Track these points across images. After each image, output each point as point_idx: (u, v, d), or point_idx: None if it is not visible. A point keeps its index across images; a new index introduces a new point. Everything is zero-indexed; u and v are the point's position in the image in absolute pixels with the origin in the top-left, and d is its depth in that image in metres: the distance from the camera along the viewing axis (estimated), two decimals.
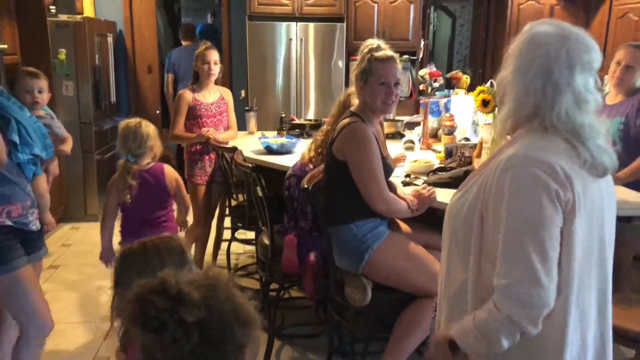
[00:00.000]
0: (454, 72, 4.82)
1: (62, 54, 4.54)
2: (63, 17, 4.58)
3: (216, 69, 3.37)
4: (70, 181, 4.69)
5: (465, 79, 4.69)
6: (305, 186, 2.22)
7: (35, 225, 2.08)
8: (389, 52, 2.18)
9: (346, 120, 2.15)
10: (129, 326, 0.89)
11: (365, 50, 2.18)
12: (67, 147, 2.59)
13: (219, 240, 3.83)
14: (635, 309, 1.90)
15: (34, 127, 2.06)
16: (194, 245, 3.63)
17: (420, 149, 3.43)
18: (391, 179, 2.32)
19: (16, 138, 1.95)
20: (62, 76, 4.59)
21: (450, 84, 5.06)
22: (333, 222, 2.20)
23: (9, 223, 1.95)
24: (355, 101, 2.33)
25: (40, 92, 2.37)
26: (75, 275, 3.67)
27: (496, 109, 2.50)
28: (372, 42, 2.19)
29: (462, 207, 1.28)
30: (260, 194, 2.55)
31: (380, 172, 2.10)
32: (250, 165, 2.58)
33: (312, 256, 2.39)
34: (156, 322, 0.85)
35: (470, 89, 4.84)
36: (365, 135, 2.09)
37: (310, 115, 5.49)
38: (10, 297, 1.97)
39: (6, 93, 2.07)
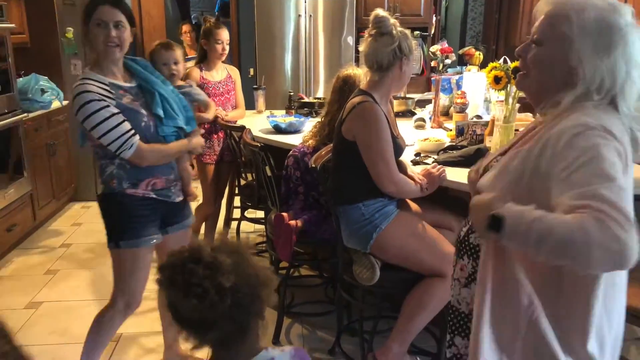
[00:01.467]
0: (467, 48, 4.72)
1: (70, 32, 4.51)
2: None
3: (227, 49, 3.33)
4: (80, 161, 4.71)
5: (478, 55, 4.60)
6: (313, 165, 2.20)
7: (179, 197, 2.14)
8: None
9: (356, 99, 2.11)
10: (168, 293, 0.97)
11: (398, 31, 2.07)
12: (210, 114, 2.69)
13: (229, 219, 3.84)
14: None
15: (177, 100, 2.10)
16: (204, 224, 3.65)
17: (431, 127, 3.38)
18: (401, 158, 2.29)
19: (161, 112, 2.00)
20: (70, 55, 4.57)
21: (462, 61, 4.98)
22: (341, 201, 2.18)
23: (153, 195, 2.02)
24: (362, 80, 2.29)
25: (175, 63, 2.41)
26: (87, 254, 3.71)
27: (508, 86, 2.44)
28: (378, 11, 2.10)
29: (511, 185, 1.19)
30: (269, 173, 2.54)
31: (391, 154, 2.07)
32: (258, 144, 2.56)
33: (298, 222, 2.40)
34: (199, 289, 0.93)
35: (483, 65, 4.76)
36: (375, 115, 2.05)
37: (320, 93, 5.43)
38: (118, 268, 2.06)
39: (150, 67, 2.12)
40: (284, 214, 2.43)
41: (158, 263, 2.19)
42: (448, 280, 2.02)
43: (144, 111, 1.97)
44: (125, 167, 1.96)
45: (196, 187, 2.33)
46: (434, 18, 5.65)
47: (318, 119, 2.74)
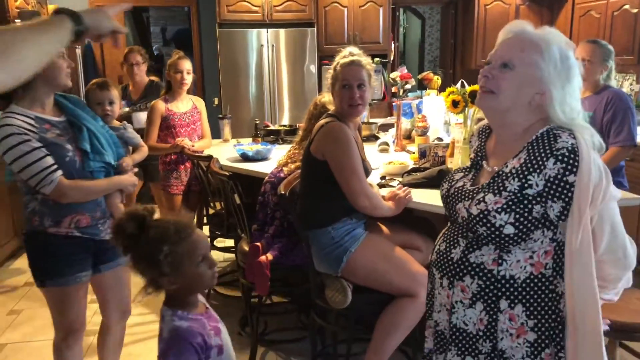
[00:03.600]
0: (425, 73, 4.90)
1: None
2: None
3: (189, 79, 3.37)
4: None
5: (437, 79, 4.78)
6: (282, 192, 2.24)
7: (108, 235, 2.06)
8: (353, 57, 2.21)
9: (324, 121, 2.18)
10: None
11: (336, 59, 2.23)
12: (133, 158, 2.32)
13: None
14: None
15: (106, 136, 2.07)
16: None
17: (395, 150, 3.48)
18: (368, 180, 2.35)
19: (87, 146, 1.96)
20: None
21: (422, 85, 5.15)
22: (310, 225, 2.22)
23: (77, 234, 1.97)
24: (331, 107, 2.37)
25: (111, 103, 2.32)
26: None
27: (466, 109, 2.55)
28: (345, 51, 2.23)
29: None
30: (238, 201, 2.56)
31: (361, 168, 2.13)
32: (227, 173, 2.58)
33: (268, 256, 2.42)
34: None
35: (442, 89, 4.94)
36: (344, 132, 2.12)
37: (285, 120, 5.51)
38: (49, 304, 2.05)
39: (81, 103, 2.10)
40: (258, 244, 2.44)
41: (98, 300, 2.19)
42: (419, 299, 2.08)
43: (69, 146, 1.93)
44: (48, 203, 1.92)
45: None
46: (393, 45, 5.83)
47: (287, 146, 2.80)
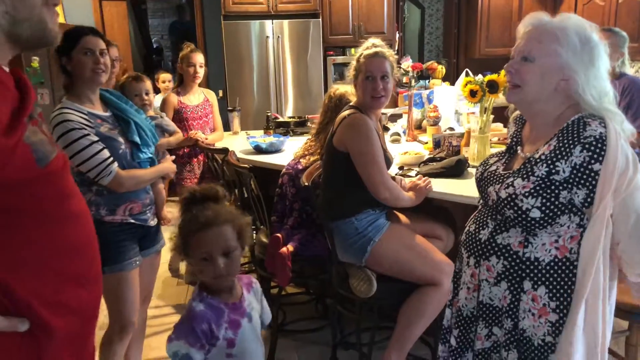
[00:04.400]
0: (429, 62, 4.90)
1: (35, 62, 4.44)
2: None
3: (201, 72, 3.37)
4: None
5: (441, 69, 4.79)
6: (306, 184, 2.25)
7: (153, 221, 2.19)
8: (377, 49, 2.22)
9: (346, 112, 2.20)
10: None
11: (359, 51, 2.24)
12: (168, 141, 2.60)
13: None
14: None
15: (150, 128, 2.18)
16: None
17: (407, 140, 3.50)
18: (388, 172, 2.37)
19: (137, 139, 2.07)
20: (36, 85, 4.49)
21: (424, 75, 5.15)
22: (334, 216, 2.24)
23: (131, 220, 2.07)
24: (352, 99, 2.38)
25: (147, 93, 2.51)
26: None
27: (483, 98, 2.57)
28: (368, 42, 2.24)
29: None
30: (258, 193, 2.57)
31: (382, 160, 2.15)
32: (247, 165, 2.60)
33: (289, 247, 2.45)
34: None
35: (445, 78, 4.96)
36: (365, 124, 2.13)
37: (289, 111, 5.51)
38: (106, 293, 2.07)
39: (124, 97, 2.19)
40: (279, 235, 2.46)
41: None
42: (442, 288, 2.12)
43: (120, 139, 2.04)
44: (103, 193, 2.00)
45: (170, 212, 2.37)
46: (397, 35, 5.83)
47: (298, 138, 2.80)
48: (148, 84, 2.52)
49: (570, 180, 1.30)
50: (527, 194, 1.33)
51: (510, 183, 1.37)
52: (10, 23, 0.92)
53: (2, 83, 0.93)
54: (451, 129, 3.39)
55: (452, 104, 3.58)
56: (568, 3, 5.43)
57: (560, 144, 1.32)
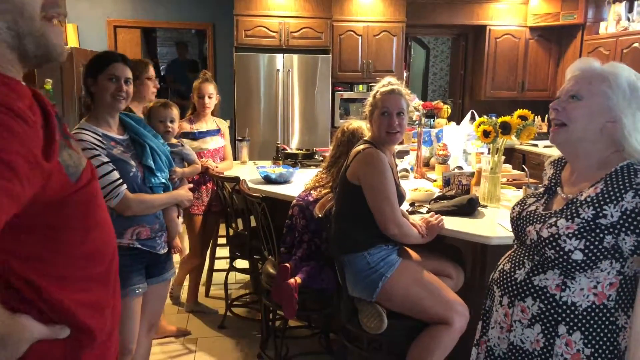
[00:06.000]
0: (436, 102, 4.99)
1: (49, 84, 4.49)
2: None
3: (211, 102, 3.41)
4: None
5: (446, 109, 4.87)
6: (319, 215, 2.25)
7: (164, 249, 2.16)
8: (394, 86, 2.26)
9: (361, 147, 2.22)
10: None
11: (376, 88, 2.28)
12: (183, 171, 2.41)
13: (212, 270, 3.80)
14: None
15: (166, 153, 2.19)
16: (187, 275, 3.60)
17: (415, 177, 3.52)
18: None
19: (151, 163, 2.08)
20: None
21: (429, 114, 5.23)
22: (345, 250, 2.23)
23: (138, 245, 2.04)
24: (365, 134, 2.41)
25: (172, 121, 2.49)
26: None
27: (496, 138, 2.60)
28: (384, 80, 2.28)
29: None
30: (269, 222, 2.57)
31: (394, 196, 2.16)
32: (259, 195, 2.61)
33: (297, 279, 2.44)
34: None
35: (450, 118, 5.03)
36: (379, 159, 2.15)
37: (294, 144, 5.55)
38: None
39: (143, 122, 2.21)
40: (288, 265, 2.45)
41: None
42: (453, 327, 2.09)
43: (133, 162, 2.04)
44: (111, 215, 1.97)
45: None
46: (405, 74, 5.94)
47: (307, 170, 2.82)
48: (175, 112, 2.52)
49: (618, 226, 1.29)
50: (570, 235, 1.32)
51: (553, 223, 1.36)
52: (15, 38, 0.93)
53: (30, 102, 0.92)
54: (460, 167, 3.41)
55: (461, 143, 3.61)
56: (573, 51, 5.56)
57: (610, 188, 1.31)
